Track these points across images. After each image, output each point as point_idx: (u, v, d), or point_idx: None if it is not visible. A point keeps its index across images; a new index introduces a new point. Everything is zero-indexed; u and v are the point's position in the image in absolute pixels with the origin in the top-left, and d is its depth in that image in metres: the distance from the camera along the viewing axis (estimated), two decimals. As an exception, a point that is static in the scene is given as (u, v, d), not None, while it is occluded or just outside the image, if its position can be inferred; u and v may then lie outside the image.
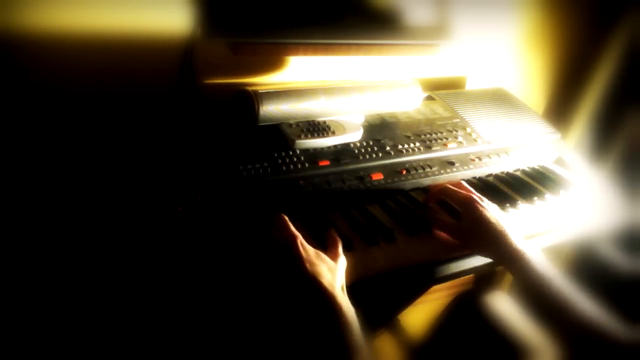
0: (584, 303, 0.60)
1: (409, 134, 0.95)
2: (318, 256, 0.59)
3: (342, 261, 0.62)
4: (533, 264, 0.64)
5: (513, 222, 0.78)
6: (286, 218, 0.63)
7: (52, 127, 0.74)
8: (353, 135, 0.87)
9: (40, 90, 0.78)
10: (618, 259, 1.26)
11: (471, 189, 0.78)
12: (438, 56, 1.00)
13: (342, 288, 0.58)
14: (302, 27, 0.82)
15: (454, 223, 0.74)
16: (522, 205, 0.85)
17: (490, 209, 0.71)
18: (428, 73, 1.17)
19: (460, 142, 0.96)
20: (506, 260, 0.67)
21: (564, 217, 0.85)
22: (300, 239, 0.60)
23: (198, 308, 0.56)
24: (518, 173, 0.98)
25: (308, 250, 0.59)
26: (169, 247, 0.61)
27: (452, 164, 0.91)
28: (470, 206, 0.72)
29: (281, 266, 0.58)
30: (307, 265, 0.57)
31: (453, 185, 0.79)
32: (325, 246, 0.65)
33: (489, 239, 0.68)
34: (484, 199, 0.74)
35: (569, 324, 0.60)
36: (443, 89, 1.16)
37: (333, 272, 0.58)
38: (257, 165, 0.77)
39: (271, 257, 0.60)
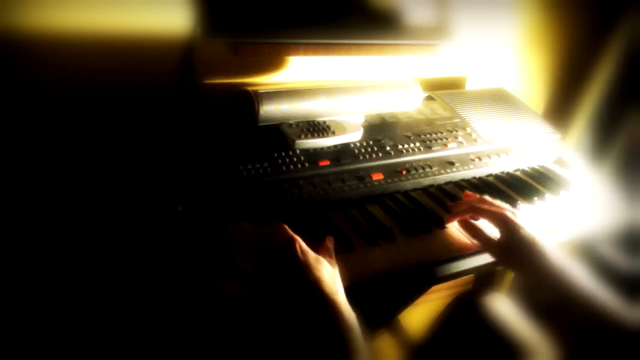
0: (626, 311, 0.60)
1: (409, 134, 0.95)
2: (318, 261, 0.57)
3: (337, 270, 0.61)
4: (575, 280, 0.64)
5: (529, 219, 0.78)
6: (282, 224, 0.60)
7: (52, 128, 0.74)
8: (353, 135, 0.87)
9: (40, 91, 0.78)
10: (618, 259, 1.26)
11: (501, 203, 0.75)
12: (438, 56, 1.00)
13: (343, 294, 0.57)
14: (302, 27, 0.82)
15: (493, 240, 0.72)
16: (522, 205, 0.85)
17: (525, 225, 0.70)
18: (428, 73, 1.17)
19: (460, 142, 0.96)
20: (547, 279, 0.66)
21: (564, 217, 0.85)
22: (299, 242, 0.57)
23: (199, 308, 0.56)
24: (518, 173, 0.98)
25: (307, 255, 0.57)
26: (169, 248, 0.61)
27: (452, 164, 0.91)
28: (508, 225, 0.70)
29: (279, 271, 0.56)
30: (307, 270, 0.54)
31: (479, 202, 0.76)
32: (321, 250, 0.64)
33: (527, 257, 0.67)
34: (515, 211, 0.73)
35: (611, 331, 0.60)
36: (443, 89, 1.16)
37: (333, 277, 0.57)
38: (257, 165, 0.77)
39: (269, 261, 0.57)
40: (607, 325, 0.60)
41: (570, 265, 0.66)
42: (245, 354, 0.58)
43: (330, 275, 0.56)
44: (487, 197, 0.77)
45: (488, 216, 0.74)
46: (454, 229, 0.77)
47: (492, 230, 0.74)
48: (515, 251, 0.69)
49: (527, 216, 0.74)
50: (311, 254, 0.57)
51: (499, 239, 0.71)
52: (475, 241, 0.74)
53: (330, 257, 0.61)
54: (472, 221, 0.76)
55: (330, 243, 0.65)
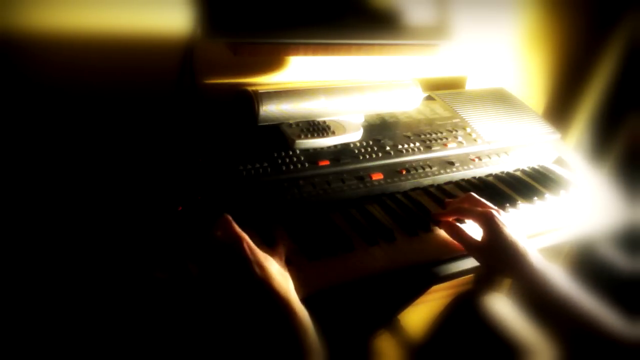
0: (609, 316, 0.60)
1: (409, 134, 0.95)
2: (267, 259, 0.55)
3: (286, 270, 0.59)
4: (556, 283, 0.63)
5: (512, 221, 0.78)
6: (230, 218, 0.57)
7: (52, 127, 0.74)
8: (353, 135, 0.87)
9: (40, 90, 0.78)
10: (618, 259, 1.26)
11: (485, 202, 0.75)
12: (438, 56, 1.00)
13: (294, 292, 0.55)
14: (302, 27, 0.82)
15: (476, 242, 0.72)
16: (522, 205, 0.85)
17: (509, 226, 0.70)
18: (428, 73, 1.17)
19: (460, 142, 0.96)
20: (528, 281, 0.66)
21: (564, 217, 0.85)
22: (247, 240, 0.55)
23: (199, 309, 0.56)
24: (518, 173, 0.98)
25: (256, 253, 0.55)
26: (169, 247, 0.61)
27: (452, 163, 0.91)
28: (492, 225, 0.69)
29: (228, 270, 0.54)
30: (256, 268, 0.53)
31: (465, 201, 0.76)
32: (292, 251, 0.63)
33: (510, 259, 0.67)
34: (500, 212, 0.72)
35: (595, 337, 0.60)
36: (443, 89, 1.16)
37: (284, 275, 0.55)
38: (257, 165, 0.77)
39: (217, 260, 0.55)
40: (594, 330, 0.60)
41: (552, 269, 0.65)
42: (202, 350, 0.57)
43: (279, 272, 0.55)
44: (472, 195, 0.77)
45: (472, 217, 0.73)
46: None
47: (475, 232, 0.73)
48: (497, 252, 0.68)
49: (511, 218, 0.74)
50: (259, 252, 0.55)
51: (482, 240, 0.71)
52: (458, 244, 0.73)
53: (280, 259, 0.60)
54: (456, 224, 0.75)
55: (282, 247, 0.63)
